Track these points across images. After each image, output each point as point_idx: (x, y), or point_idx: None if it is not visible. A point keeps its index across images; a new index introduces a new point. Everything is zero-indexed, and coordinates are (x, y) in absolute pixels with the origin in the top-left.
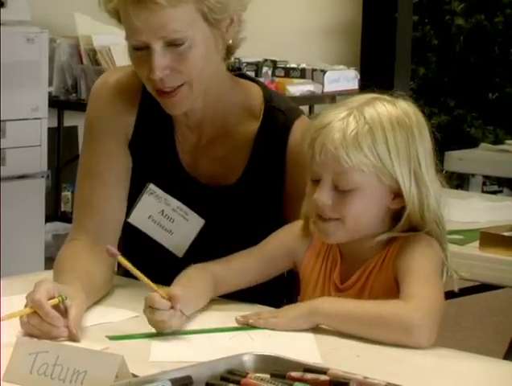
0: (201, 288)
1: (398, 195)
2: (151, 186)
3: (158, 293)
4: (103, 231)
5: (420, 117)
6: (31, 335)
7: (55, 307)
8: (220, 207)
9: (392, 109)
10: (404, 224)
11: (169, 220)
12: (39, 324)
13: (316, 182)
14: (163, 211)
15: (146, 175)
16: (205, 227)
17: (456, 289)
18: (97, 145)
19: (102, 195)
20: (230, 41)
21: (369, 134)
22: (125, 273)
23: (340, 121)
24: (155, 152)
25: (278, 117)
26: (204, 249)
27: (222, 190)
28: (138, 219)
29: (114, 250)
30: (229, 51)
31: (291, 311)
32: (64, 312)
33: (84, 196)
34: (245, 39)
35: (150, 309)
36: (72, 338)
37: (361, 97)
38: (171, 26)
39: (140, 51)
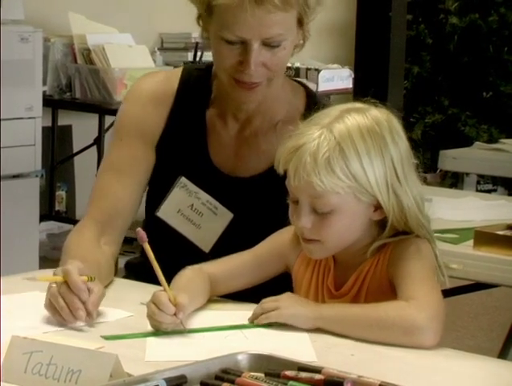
0: (198, 290)
1: (378, 206)
2: (183, 180)
3: (166, 294)
4: (110, 223)
5: (393, 122)
6: (53, 308)
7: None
8: (249, 199)
9: (361, 120)
10: (390, 231)
11: (198, 214)
12: (66, 293)
13: (296, 202)
14: (192, 205)
15: (176, 171)
16: (233, 221)
17: (447, 284)
18: (124, 143)
19: (117, 188)
20: (301, 41)
21: (341, 155)
22: (133, 275)
23: (311, 143)
24: (186, 149)
25: None
26: (230, 244)
27: (251, 180)
28: (167, 213)
29: (143, 235)
30: (294, 50)
31: (294, 306)
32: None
33: (99, 188)
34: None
35: (154, 306)
36: (89, 313)
37: (334, 110)
38: (277, 30)
39: (232, 45)
